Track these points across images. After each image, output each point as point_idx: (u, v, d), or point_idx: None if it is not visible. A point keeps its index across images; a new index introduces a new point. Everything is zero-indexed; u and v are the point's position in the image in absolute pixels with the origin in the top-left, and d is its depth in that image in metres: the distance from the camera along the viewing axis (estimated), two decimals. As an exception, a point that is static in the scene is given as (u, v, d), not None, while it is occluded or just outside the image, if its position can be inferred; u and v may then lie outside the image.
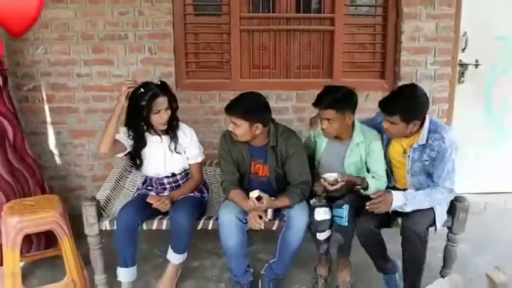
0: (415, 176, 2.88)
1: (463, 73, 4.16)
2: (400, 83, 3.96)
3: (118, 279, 2.99)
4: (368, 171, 2.99)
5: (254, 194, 2.80)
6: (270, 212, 2.92)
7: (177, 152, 3.07)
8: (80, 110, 4.02)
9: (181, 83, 4.05)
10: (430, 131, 2.76)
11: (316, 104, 2.85)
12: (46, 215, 2.88)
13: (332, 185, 2.82)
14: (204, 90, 4.01)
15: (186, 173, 3.21)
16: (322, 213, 2.84)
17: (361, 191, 2.93)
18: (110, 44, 3.88)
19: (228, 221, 2.88)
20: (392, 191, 2.77)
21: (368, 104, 3.96)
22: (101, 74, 3.94)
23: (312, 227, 2.90)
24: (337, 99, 2.78)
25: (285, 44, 4.07)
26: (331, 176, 2.84)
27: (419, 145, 2.78)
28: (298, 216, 2.89)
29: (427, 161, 2.80)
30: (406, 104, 2.69)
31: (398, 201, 2.73)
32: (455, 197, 2.98)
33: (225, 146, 3.03)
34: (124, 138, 3.03)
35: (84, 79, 3.94)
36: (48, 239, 3.32)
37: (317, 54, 4.12)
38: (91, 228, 2.91)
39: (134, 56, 3.91)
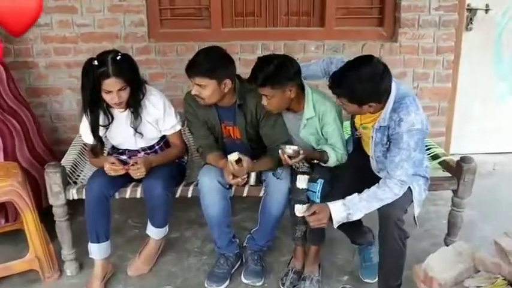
0: (381, 164, 2.70)
1: (471, 19, 4.14)
2: (401, 31, 4.03)
3: (90, 257, 2.98)
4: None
5: (233, 156, 2.78)
6: (253, 176, 2.93)
7: (138, 132, 2.95)
8: (39, 65, 3.96)
9: (154, 32, 4.00)
10: (393, 110, 2.53)
11: (250, 80, 2.78)
12: (3, 184, 2.81)
13: (291, 158, 2.76)
14: (181, 41, 3.97)
15: (163, 140, 3.13)
16: (304, 181, 2.81)
17: (322, 163, 2.91)
18: (73, -11, 3.77)
19: (208, 186, 2.88)
20: (329, 204, 2.59)
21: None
22: (63, 23, 3.85)
23: (291, 195, 2.88)
24: (270, 75, 2.69)
25: (271, -13, 4.04)
26: (290, 149, 2.78)
27: (381, 126, 2.58)
28: (278, 182, 2.90)
29: (388, 144, 2.63)
30: (354, 88, 2.46)
31: (340, 212, 2.54)
32: (461, 158, 2.97)
33: (190, 110, 3.02)
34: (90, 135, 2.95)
35: (44, 29, 3.86)
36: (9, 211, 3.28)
37: (307, -1, 4.08)
38: (56, 197, 2.88)
39: (100, 2, 3.81)
